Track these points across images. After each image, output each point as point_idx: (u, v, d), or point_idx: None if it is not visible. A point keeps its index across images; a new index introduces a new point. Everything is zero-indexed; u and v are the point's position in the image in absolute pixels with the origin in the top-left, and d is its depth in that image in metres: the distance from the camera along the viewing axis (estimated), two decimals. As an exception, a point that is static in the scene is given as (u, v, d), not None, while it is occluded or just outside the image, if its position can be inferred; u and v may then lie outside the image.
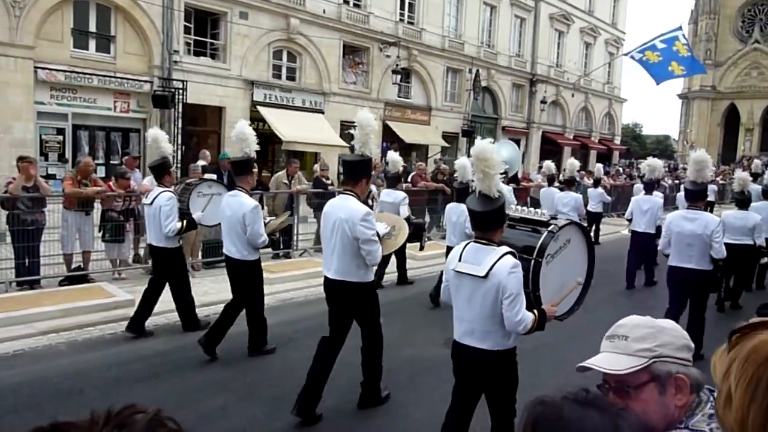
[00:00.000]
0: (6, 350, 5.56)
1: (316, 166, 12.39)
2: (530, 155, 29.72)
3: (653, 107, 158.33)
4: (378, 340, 4.48)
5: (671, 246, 5.96)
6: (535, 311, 3.23)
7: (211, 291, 7.72)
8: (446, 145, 24.62)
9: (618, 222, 16.06)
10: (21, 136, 14.02)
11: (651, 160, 10.98)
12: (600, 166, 16.15)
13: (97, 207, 8.38)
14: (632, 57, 19.82)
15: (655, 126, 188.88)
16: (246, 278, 5.47)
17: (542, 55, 30.65)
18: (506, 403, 3.32)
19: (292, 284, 8.20)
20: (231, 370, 5.26)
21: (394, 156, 9.13)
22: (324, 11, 19.97)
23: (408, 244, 6.79)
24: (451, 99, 26.19)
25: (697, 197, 5.99)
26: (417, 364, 5.46)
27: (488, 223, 3.26)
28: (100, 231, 8.30)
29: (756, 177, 13.92)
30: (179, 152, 16.33)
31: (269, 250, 9.88)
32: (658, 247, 6.41)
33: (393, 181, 9.00)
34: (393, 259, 8.56)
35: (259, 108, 18.24)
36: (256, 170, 6.77)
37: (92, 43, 15.53)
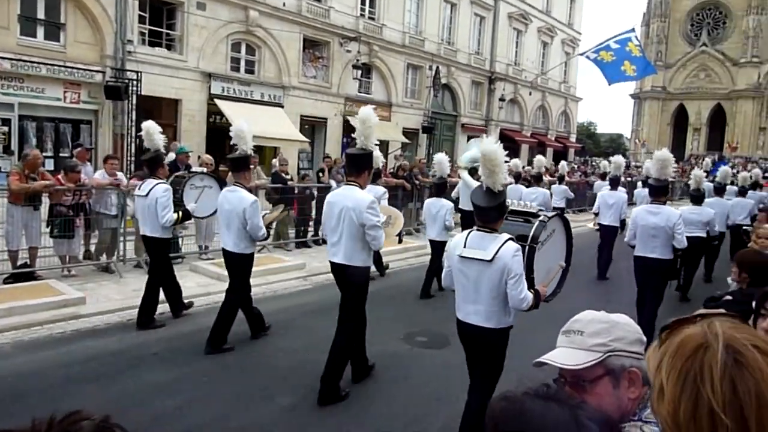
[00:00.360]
0: (-54, 351, 5.30)
1: (275, 161, 12.24)
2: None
3: (607, 106, 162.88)
4: (354, 329, 4.72)
5: (636, 238, 6.41)
6: (532, 291, 3.58)
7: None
8: (407, 141, 24.71)
9: (576, 218, 16.49)
10: (-37, 126, 13.38)
11: (615, 158, 11.82)
12: (564, 163, 16.72)
13: (46, 201, 8.04)
14: (587, 57, 20.32)
15: (609, 125, 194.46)
16: (238, 270, 5.73)
17: (501, 53, 31.08)
18: (496, 369, 3.68)
19: (254, 280, 8.03)
20: (187, 369, 5.14)
21: (375, 151, 9.24)
22: (284, 4, 19.73)
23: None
24: (412, 95, 26.29)
25: (660, 192, 6.43)
26: (380, 359, 5.42)
27: (492, 214, 3.60)
28: (48, 226, 7.98)
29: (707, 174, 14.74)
30: (133, 145, 15.89)
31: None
32: (625, 239, 6.83)
33: (373, 177, 9.05)
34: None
35: (217, 101, 17.90)
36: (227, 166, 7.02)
37: (41, 31, 14.90)
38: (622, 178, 14.27)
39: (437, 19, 26.88)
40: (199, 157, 11.60)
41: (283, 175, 11.21)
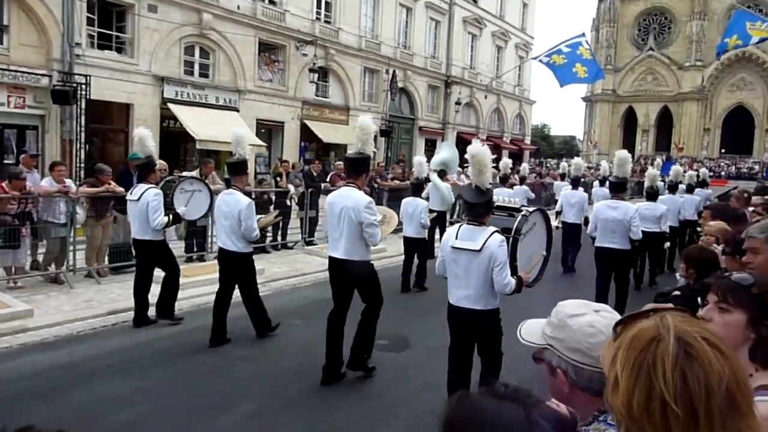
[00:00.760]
0: None
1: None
2: (446, 155, 30.36)
3: (560, 109, 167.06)
4: (377, 309, 5.15)
5: (597, 230, 7.15)
6: (515, 277, 4.03)
7: (120, 298, 7.32)
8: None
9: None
10: None
11: (576, 160, 12.77)
12: (526, 164, 17.20)
13: (-11, 210, 7.69)
14: (540, 60, 20.76)
15: (562, 127, 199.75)
16: (241, 268, 6.05)
17: (456, 57, 31.44)
18: (495, 351, 4.17)
19: (210, 288, 7.82)
20: (143, 381, 4.98)
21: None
22: (238, 7, 19.46)
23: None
24: (369, 99, 26.32)
25: (619, 189, 7.24)
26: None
27: (481, 209, 4.09)
28: (-9, 236, 7.63)
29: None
30: (82, 152, 15.39)
31: (183, 253, 9.53)
32: (587, 231, 7.47)
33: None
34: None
35: (170, 105, 17.49)
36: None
37: (-19, 33, 14.30)
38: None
39: (393, 23, 27.01)
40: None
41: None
